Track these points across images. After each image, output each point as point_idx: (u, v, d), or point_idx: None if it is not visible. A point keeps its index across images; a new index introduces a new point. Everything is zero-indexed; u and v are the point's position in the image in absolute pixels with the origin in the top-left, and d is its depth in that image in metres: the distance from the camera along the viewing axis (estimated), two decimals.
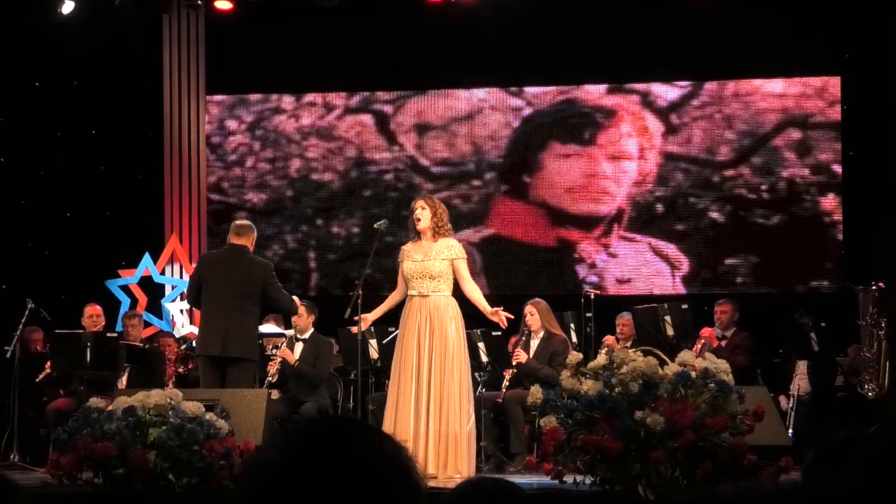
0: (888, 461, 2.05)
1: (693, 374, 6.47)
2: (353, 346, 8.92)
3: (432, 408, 7.81)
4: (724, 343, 9.93)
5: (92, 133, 13.00)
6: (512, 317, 8.23)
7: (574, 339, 10.09)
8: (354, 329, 8.55)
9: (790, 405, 9.97)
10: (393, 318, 8.56)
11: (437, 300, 7.94)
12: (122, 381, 9.82)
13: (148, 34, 12.59)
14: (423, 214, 8.05)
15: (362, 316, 8.17)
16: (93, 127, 13.00)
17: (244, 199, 13.25)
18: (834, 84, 12.33)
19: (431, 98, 13.03)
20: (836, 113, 12.30)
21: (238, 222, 8.70)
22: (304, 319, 9.73)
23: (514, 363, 9.55)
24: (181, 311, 12.39)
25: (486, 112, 12.93)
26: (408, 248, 8.13)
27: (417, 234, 8.10)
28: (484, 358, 9.56)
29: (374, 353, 10.20)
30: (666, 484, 6.20)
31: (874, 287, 9.51)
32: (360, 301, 8.12)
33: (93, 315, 10.14)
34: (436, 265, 7.95)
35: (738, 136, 12.46)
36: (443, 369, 7.83)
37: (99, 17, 11.58)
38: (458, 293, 8.10)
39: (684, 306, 10.01)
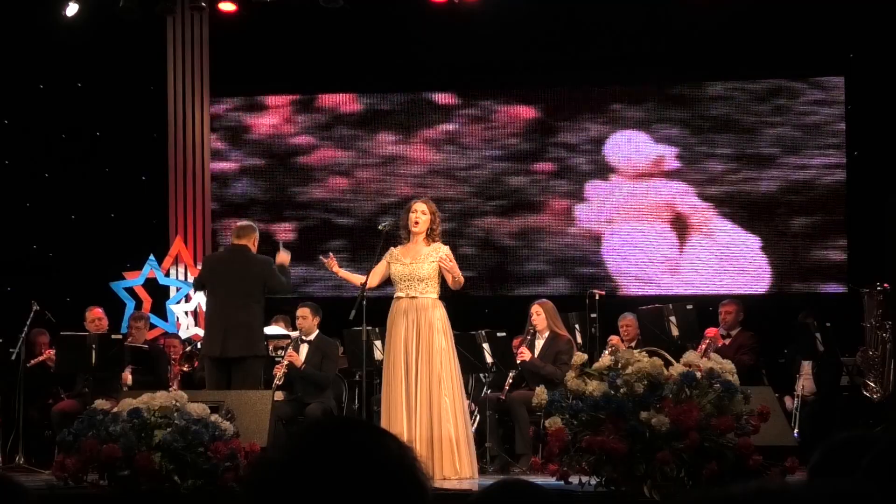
0: (894, 462, 2.04)
1: (698, 374, 6.47)
2: (358, 347, 8.93)
3: (422, 410, 7.79)
4: (728, 343, 9.92)
5: (96, 135, 13.02)
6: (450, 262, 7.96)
7: (579, 339, 10.09)
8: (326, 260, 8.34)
9: (795, 405, 9.96)
10: None
11: (424, 302, 7.94)
12: (126, 380, 9.81)
13: (152, 36, 12.59)
14: (422, 218, 8.01)
15: (331, 255, 8.31)
16: (97, 129, 13.01)
17: (248, 201, 13.25)
18: (838, 84, 12.31)
19: (435, 98, 13.03)
20: (840, 114, 12.28)
21: (240, 223, 8.86)
22: (310, 321, 9.74)
23: (517, 361, 9.55)
24: (186, 312, 12.41)
25: (489, 111, 12.93)
26: (397, 252, 8.10)
27: (409, 235, 8.07)
28: (489, 359, 9.55)
29: (378, 355, 10.17)
30: (671, 484, 6.20)
31: (879, 289, 9.51)
32: (364, 302, 8.12)
33: (95, 319, 10.14)
34: (424, 268, 7.94)
35: (741, 136, 12.45)
36: (430, 371, 7.82)
37: (103, 19, 11.59)
38: (445, 296, 8.10)
39: (689, 306, 10.01)
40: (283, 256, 8.89)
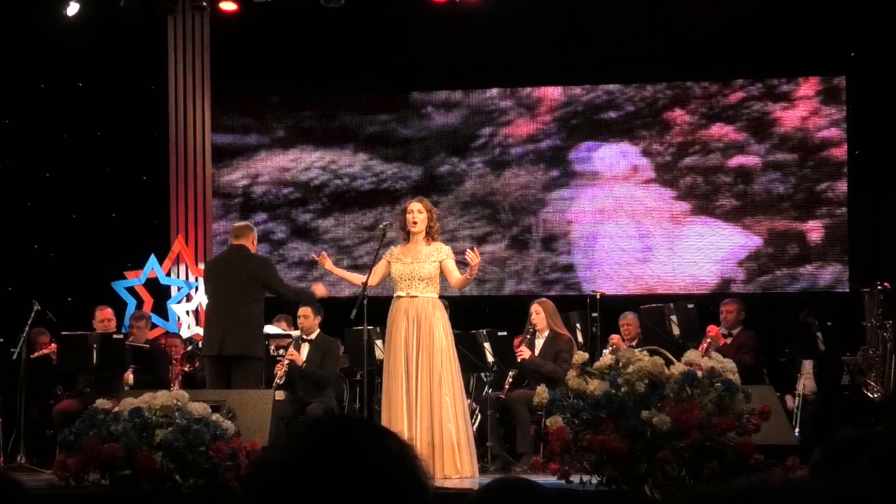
0: (894, 462, 2.05)
1: (699, 373, 6.46)
2: (359, 346, 8.94)
3: (422, 410, 7.79)
4: (729, 342, 9.92)
5: (97, 135, 13.02)
6: (477, 258, 7.86)
7: (580, 339, 10.09)
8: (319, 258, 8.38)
9: (796, 405, 9.95)
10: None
11: (424, 301, 7.93)
12: (128, 380, 9.80)
13: (152, 36, 12.59)
14: (420, 218, 7.99)
15: (323, 253, 8.43)
16: (98, 129, 13.02)
17: (249, 201, 13.26)
18: (839, 83, 12.30)
19: (436, 98, 13.03)
20: (841, 113, 12.27)
21: (237, 224, 8.91)
22: (311, 320, 9.74)
23: (518, 360, 9.55)
24: (187, 312, 12.41)
25: (491, 111, 12.94)
26: (396, 251, 8.09)
27: (408, 235, 8.07)
28: (489, 358, 9.55)
29: (379, 354, 10.18)
30: (672, 484, 6.20)
31: (880, 288, 9.51)
32: (365, 302, 8.12)
33: (104, 319, 10.12)
34: (425, 268, 7.93)
35: (742, 136, 12.44)
36: (431, 371, 7.82)
37: (103, 19, 11.59)
38: (445, 296, 8.10)
39: (690, 306, 10.00)
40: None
